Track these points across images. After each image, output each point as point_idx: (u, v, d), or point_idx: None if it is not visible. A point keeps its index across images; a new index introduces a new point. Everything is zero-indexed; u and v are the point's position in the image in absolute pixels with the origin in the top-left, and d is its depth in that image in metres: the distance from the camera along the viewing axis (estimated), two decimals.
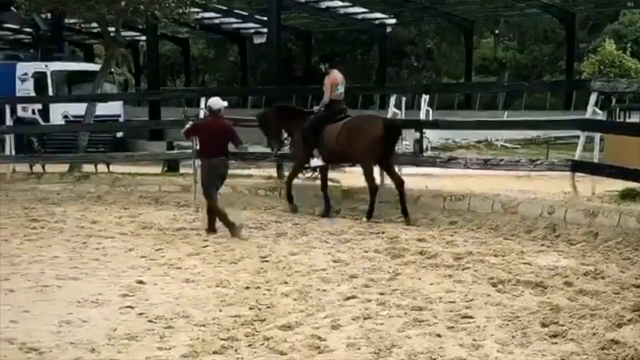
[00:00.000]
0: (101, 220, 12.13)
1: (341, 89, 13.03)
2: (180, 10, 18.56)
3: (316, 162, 12.96)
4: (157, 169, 18.00)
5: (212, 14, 38.65)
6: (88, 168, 17.32)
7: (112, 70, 23.86)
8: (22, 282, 8.43)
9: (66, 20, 29.80)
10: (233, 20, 42.36)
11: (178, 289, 8.12)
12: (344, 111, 13.14)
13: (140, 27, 33.79)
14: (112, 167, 17.69)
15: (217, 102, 11.51)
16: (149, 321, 7.01)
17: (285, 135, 13.73)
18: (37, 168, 17.77)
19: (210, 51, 55.85)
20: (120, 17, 18.59)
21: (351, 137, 12.41)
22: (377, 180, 12.69)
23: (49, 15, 26.90)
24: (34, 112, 25.59)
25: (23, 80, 27.09)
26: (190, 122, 12.31)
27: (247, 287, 8.19)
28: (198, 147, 12.46)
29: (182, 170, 17.63)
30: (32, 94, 26.16)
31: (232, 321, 6.98)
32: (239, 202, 13.68)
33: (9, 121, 17.75)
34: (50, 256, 9.68)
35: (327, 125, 12.76)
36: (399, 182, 12.44)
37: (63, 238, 10.87)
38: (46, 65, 27.05)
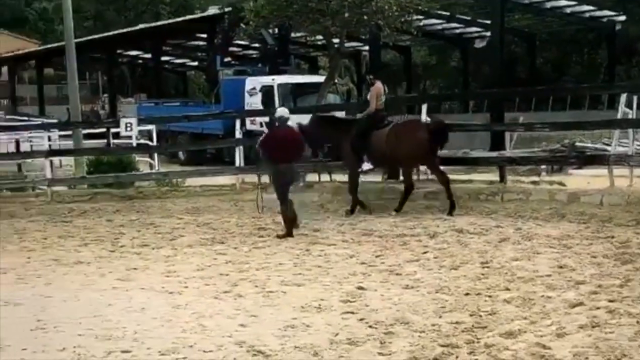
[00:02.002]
0: (323, 228, 12.38)
1: (383, 99, 14.19)
2: (403, 19, 18.65)
3: (366, 166, 13.97)
4: (378, 177, 18.11)
5: (434, 21, 38.59)
6: (311, 177, 17.75)
7: (336, 81, 24.40)
8: (250, 287, 8.77)
9: (292, 34, 30.84)
10: (455, 25, 42.07)
11: (398, 295, 8.13)
12: (386, 118, 14.29)
13: (363, 37, 34.32)
14: (334, 176, 18.01)
15: (285, 112, 12.54)
16: (370, 327, 7.06)
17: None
18: (265, 179, 18.41)
19: (432, 57, 55.79)
20: (344, 28, 18.93)
21: (400, 140, 13.43)
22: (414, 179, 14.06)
23: (276, 30, 27.95)
24: (261, 125, 26.63)
25: (251, 94, 28.26)
26: (261, 137, 13.07)
27: (468, 294, 8.04)
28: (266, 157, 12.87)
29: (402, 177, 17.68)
30: (260, 107, 27.22)
31: (452, 328, 6.88)
32: (459, 208, 13.52)
33: (238, 134, 18.56)
34: (276, 263, 10.02)
35: (374, 132, 13.78)
36: (444, 180, 13.42)
37: (288, 245, 11.19)
38: (273, 79, 28.07)
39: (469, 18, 40.31)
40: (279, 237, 11.80)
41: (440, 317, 7.27)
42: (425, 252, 10.26)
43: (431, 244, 10.81)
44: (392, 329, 6.93)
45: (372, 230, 11.87)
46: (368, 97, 14.40)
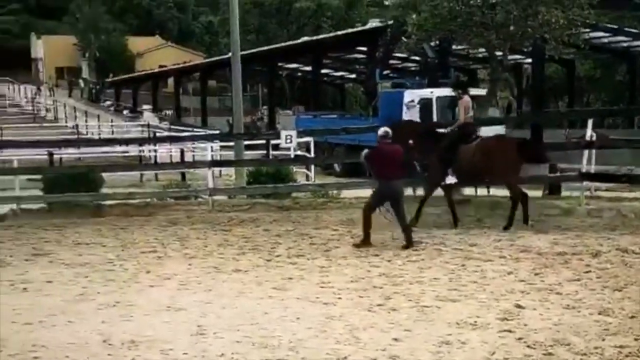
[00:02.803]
0: (480, 243, 12.14)
1: (471, 113, 14.24)
2: (570, 32, 18.20)
3: (450, 179, 13.90)
4: (538, 192, 17.67)
5: (601, 34, 37.45)
6: (468, 191, 17.50)
7: (497, 94, 24.11)
8: (403, 301, 8.71)
9: (453, 47, 30.61)
10: (622, 38, 40.67)
11: (558, 315, 7.87)
12: (475, 132, 14.34)
13: (525, 49, 33.71)
14: (493, 191, 17.69)
15: (388, 130, 12.82)
16: (528, 347, 6.88)
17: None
18: (420, 191, 18.27)
19: (596, 71, 54.05)
20: (508, 41, 18.64)
21: (489, 157, 13.42)
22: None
23: (437, 42, 27.80)
24: None
25: (409, 107, 28.15)
26: (367, 150, 13.23)
27: (633, 317, 7.69)
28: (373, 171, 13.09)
29: (564, 193, 17.19)
30: (418, 120, 27.03)
31: (616, 352, 6.60)
32: (623, 226, 12.99)
33: None
34: (430, 277, 9.90)
35: (461, 146, 13.77)
36: (516, 196, 13.51)
37: (442, 260, 11.03)
38: (432, 92, 27.87)
39: (637, 31, 38.89)
40: (355, 245, 12.21)
41: (603, 339, 6.98)
42: (587, 272, 9.88)
43: (594, 263, 10.40)
44: (551, 350, 6.72)
45: (530, 247, 11.55)
46: (456, 111, 14.55)
